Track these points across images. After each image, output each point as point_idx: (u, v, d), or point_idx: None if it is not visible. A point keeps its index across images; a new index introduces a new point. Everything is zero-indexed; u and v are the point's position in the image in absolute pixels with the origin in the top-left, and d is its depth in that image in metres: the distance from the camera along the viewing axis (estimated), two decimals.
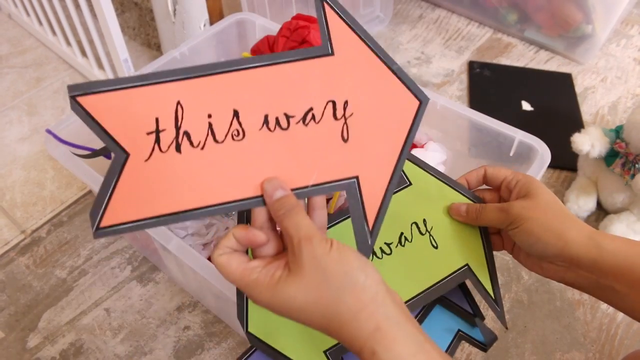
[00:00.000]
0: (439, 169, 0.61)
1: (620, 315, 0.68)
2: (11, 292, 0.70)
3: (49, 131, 0.59)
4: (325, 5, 0.31)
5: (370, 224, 0.33)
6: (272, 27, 0.74)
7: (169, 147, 0.29)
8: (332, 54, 0.31)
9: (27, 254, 0.74)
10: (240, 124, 0.30)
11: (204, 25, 0.89)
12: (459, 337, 0.43)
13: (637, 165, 0.70)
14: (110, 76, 0.92)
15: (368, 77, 0.32)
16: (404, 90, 0.34)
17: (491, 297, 0.41)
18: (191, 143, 0.30)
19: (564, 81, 1.00)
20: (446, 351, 0.42)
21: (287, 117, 0.31)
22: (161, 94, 0.29)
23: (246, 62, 0.30)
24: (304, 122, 0.31)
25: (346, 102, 0.32)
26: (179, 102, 0.29)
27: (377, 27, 1.13)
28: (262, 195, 0.31)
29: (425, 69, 1.04)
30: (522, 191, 0.40)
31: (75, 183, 0.83)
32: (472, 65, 1.03)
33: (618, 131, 0.74)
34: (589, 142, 0.73)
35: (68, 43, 1.01)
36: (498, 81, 1.00)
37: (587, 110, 0.95)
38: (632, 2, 1.01)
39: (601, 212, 0.79)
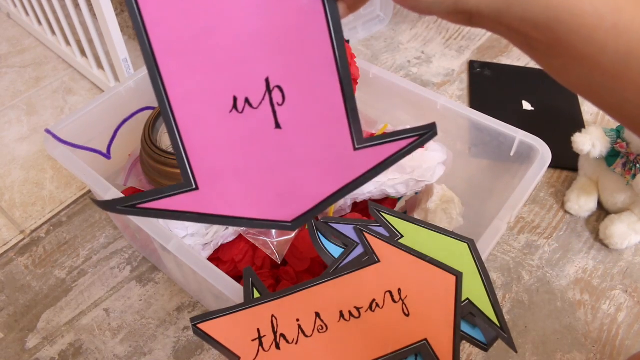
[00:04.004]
0: (439, 169, 0.62)
1: (622, 315, 0.68)
2: (10, 293, 0.70)
3: (48, 131, 0.59)
4: (364, 233, 0.44)
5: None
6: None
7: (270, 346, 0.39)
8: (379, 261, 0.43)
9: (26, 254, 0.74)
10: (322, 320, 0.40)
11: None
12: (460, 337, 0.43)
13: (638, 165, 0.70)
14: (110, 76, 0.91)
15: (410, 270, 0.43)
16: (440, 271, 0.43)
17: (497, 325, 0.42)
18: (287, 341, 0.39)
19: None
20: None
21: (357, 309, 0.41)
22: (258, 313, 0.40)
23: (316, 280, 0.42)
24: (371, 309, 0.41)
25: (399, 289, 0.42)
26: (273, 315, 0.40)
27: (378, 27, 1.13)
28: None
29: (426, 69, 1.03)
30: None
31: (74, 183, 0.83)
32: (472, 64, 1.03)
33: (619, 131, 0.74)
34: (589, 142, 0.72)
35: (67, 43, 1.01)
36: (499, 81, 1.00)
37: (588, 109, 0.95)
38: None
39: (602, 212, 0.79)
